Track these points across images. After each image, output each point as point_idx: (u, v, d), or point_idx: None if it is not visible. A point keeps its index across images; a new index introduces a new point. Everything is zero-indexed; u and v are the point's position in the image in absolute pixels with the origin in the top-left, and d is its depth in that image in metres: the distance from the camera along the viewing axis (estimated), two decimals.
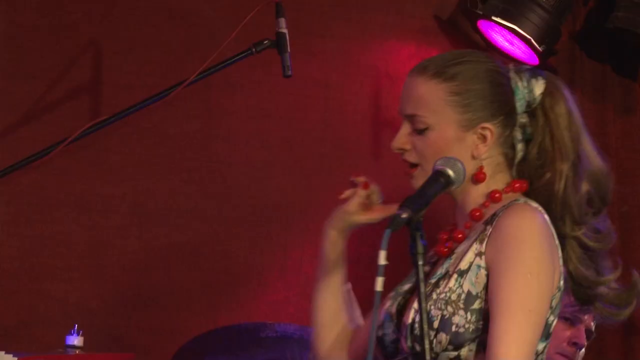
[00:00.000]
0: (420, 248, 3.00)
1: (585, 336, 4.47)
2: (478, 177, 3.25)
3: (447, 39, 5.36)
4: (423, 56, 4.68)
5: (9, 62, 5.02)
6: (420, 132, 3.23)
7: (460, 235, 3.29)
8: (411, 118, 3.24)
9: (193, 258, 5.13)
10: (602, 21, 5.39)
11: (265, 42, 4.32)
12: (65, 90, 5.00)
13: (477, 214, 3.27)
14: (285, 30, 4.35)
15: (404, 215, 2.97)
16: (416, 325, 3.17)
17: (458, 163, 3.14)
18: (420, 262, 2.99)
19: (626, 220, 5.46)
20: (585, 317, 4.48)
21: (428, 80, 3.26)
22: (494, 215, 3.26)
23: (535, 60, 5.25)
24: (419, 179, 3.20)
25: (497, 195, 3.26)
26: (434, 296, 3.21)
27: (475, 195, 3.30)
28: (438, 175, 3.10)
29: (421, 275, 3.00)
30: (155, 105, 4.50)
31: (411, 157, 3.26)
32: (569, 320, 4.43)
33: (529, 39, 5.18)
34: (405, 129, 3.26)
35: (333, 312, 3.49)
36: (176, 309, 4.99)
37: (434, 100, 3.26)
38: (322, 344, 3.48)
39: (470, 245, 3.20)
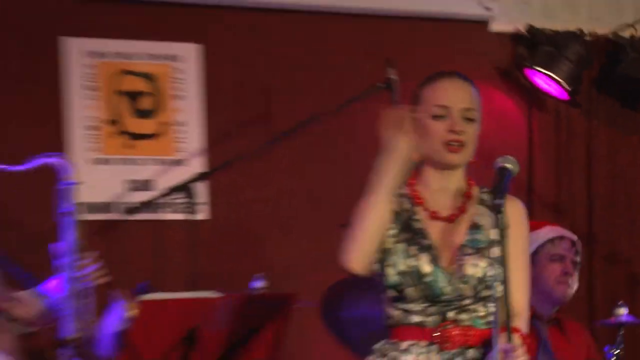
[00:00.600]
0: (503, 225, 3.24)
1: (572, 267, 4.71)
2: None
3: (505, 83, 5.79)
4: (490, 95, 5.49)
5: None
6: (469, 121, 3.46)
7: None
8: (466, 111, 3.46)
9: None
10: (612, 70, 5.89)
11: (381, 84, 4.84)
12: (252, 119, 5.37)
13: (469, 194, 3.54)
14: (394, 76, 4.82)
15: (500, 201, 3.23)
16: (487, 278, 3.41)
17: (513, 158, 3.40)
18: (504, 238, 3.24)
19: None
20: (569, 255, 4.72)
21: (473, 88, 3.53)
22: (483, 200, 3.54)
23: (565, 97, 5.75)
24: (465, 156, 3.47)
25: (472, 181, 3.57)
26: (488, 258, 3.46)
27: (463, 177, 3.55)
28: (505, 171, 3.34)
29: (505, 247, 3.22)
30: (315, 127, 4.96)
31: (464, 138, 3.46)
32: (557, 258, 4.68)
33: (561, 82, 5.66)
34: (460, 117, 3.46)
35: (381, 224, 3.47)
36: None
37: (477, 104, 3.52)
38: (360, 250, 3.44)
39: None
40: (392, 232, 3.48)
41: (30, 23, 5.05)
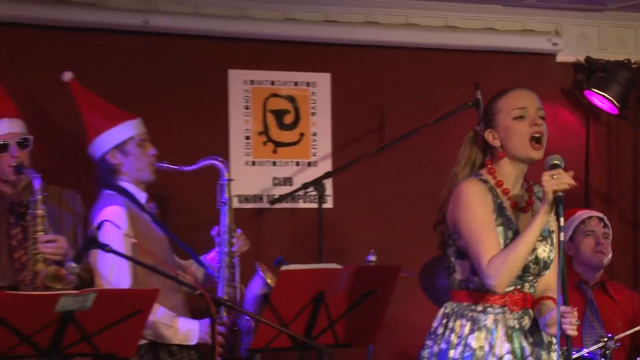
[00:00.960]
0: (561, 214, 3.12)
1: (603, 238, 4.64)
2: None
3: (568, 101, 5.65)
4: (556, 112, 5.45)
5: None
6: (542, 119, 3.30)
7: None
8: (539, 109, 3.29)
9: None
10: None
11: (470, 103, 4.88)
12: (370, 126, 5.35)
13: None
14: (480, 97, 4.84)
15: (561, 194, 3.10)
16: (549, 260, 3.31)
17: (559, 156, 3.23)
18: (562, 224, 3.11)
19: None
20: (599, 229, 4.66)
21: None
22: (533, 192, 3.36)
23: (615, 111, 5.58)
24: (542, 152, 3.30)
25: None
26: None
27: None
28: (557, 167, 3.19)
29: (562, 234, 3.11)
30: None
31: (543, 130, 3.30)
32: (590, 233, 4.64)
33: (612, 100, 5.54)
34: (536, 115, 3.28)
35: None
36: None
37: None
38: (510, 279, 3.26)
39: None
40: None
41: (206, 59, 5.06)
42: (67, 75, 4.19)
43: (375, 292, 3.85)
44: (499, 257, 3.17)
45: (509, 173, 3.30)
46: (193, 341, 3.99)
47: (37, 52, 4.75)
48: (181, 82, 4.98)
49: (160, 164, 4.17)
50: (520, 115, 3.26)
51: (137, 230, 3.98)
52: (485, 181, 3.31)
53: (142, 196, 4.14)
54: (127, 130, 4.14)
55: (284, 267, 3.69)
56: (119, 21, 4.79)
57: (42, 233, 3.88)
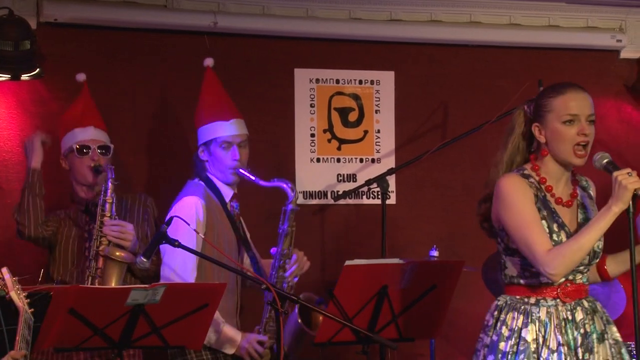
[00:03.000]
0: (632, 210, 3.08)
1: None
2: None
3: (632, 96, 5.54)
4: (620, 107, 5.37)
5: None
6: (591, 123, 3.26)
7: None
8: (590, 116, 3.24)
9: None
10: None
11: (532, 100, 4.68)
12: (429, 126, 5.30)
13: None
14: None
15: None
16: (598, 249, 3.27)
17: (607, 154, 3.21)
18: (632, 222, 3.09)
19: None
20: None
21: (589, 95, 3.31)
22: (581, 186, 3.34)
23: None
24: (586, 158, 3.25)
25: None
26: None
27: None
28: (612, 165, 3.17)
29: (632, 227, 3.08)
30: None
31: (590, 139, 3.27)
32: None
33: None
34: (586, 122, 3.23)
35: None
36: None
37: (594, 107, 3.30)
38: (569, 270, 3.22)
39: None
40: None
41: (273, 59, 5.07)
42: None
43: (438, 287, 3.81)
44: (560, 248, 3.13)
45: (554, 171, 3.27)
46: (230, 352, 3.99)
47: (108, 53, 4.81)
48: (249, 81, 4.99)
49: (241, 172, 4.14)
50: (570, 120, 3.22)
51: (210, 224, 3.98)
52: (527, 176, 3.27)
53: (228, 193, 4.14)
54: (215, 130, 4.14)
55: (348, 262, 3.64)
56: (189, 22, 4.82)
57: (109, 218, 3.98)
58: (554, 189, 3.28)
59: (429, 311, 3.86)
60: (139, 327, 3.48)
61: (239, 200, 4.19)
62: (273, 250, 4.09)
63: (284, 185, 4.13)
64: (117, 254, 3.89)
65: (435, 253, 4.55)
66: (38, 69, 4.48)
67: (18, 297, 2.97)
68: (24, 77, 4.47)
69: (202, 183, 4.10)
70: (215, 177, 4.13)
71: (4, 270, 3.03)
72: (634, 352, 3.65)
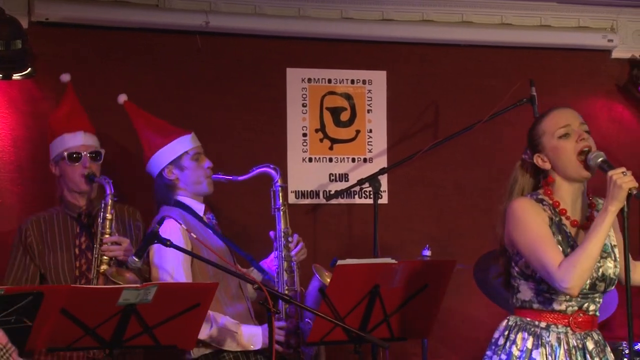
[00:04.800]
0: (627, 209, 3.03)
1: None
2: None
3: (623, 96, 5.50)
4: (611, 106, 5.37)
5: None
6: (587, 133, 3.24)
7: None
8: (582, 124, 3.23)
9: None
10: None
11: (524, 99, 4.76)
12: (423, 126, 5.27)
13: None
14: (534, 93, 4.73)
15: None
16: (614, 276, 3.20)
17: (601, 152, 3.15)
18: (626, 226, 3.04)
19: None
20: None
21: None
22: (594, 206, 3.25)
23: None
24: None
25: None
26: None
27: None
28: (606, 164, 3.13)
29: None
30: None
31: (591, 144, 3.20)
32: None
33: None
34: (581, 130, 3.21)
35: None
36: None
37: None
38: (583, 281, 3.13)
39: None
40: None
41: (265, 59, 5.01)
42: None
43: (430, 286, 3.78)
44: (570, 259, 3.04)
45: (566, 193, 3.19)
46: (257, 346, 3.95)
47: (100, 52, 4.78)
48: (240, 81, 4.95)
49: (216, 176, 4.15)
50: (565, 133, 3.16)
51: (195, 241, 3.93)
52: (540, 200, 3.21)
53: (200, 208, 4.11)
54: (182, 145, 4.11)
55: (340, 262, 3.63)
56: (181, 22, 4.78)
57: (109, 235, 3.93)
58: (568, 212, 3.21)
59: (421, 310, 3.83)
60: (130, 326, 3.45)
61: (212, 211, 4.19)
62: (272, 233, 4.07)
63: (266, 169, 4.13)
64: (123, 276, 3.83)
65: (428, 253, 4.52)
66: (30, 69, 4.45)
67: None
68: (16, 76, 4.44)
69: (174, 207, 4.06)
70: (184, 195, 4.09)
71: None
72: (625, 351, 3.76)
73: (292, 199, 4.92)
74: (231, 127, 4.91)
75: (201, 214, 4.09)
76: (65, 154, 4.05)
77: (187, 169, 4.09)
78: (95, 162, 4.08)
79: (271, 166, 4.13)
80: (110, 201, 3.93)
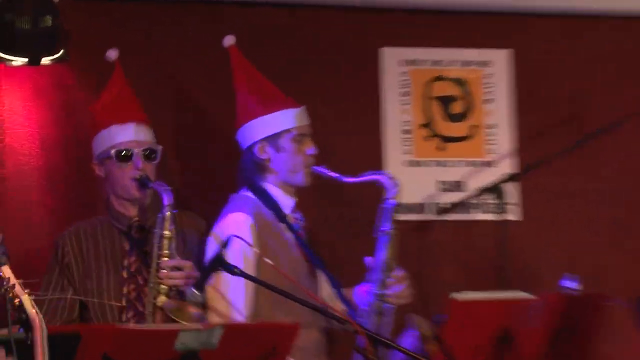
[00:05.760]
0: None
1: None
2: None
3: None
4: None
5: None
6: None
7: None
8: None
9: None
10: None
11: None
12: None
13: None
14: None
15: None
16: None
17: None
18: None
19: None
20: None
21: None
22: None
23: None
24: None
25: None
26: None
27: None
28: None
29: None
30: None
31: None
32: None
33: None
34: None
35: None
36: None
37: None
38: None
39: None
40: None
41: (353, 36, 4.99)
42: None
43: (578, 328, 3.73)
44: None
45: None
46: None
47: (150, 31, 4.80)
48: (322, 65, 4.95)
49: (318, 168, 4.09)
50: None
51: (265, 246, 3.91)
52: None
53: (288, 203, 4.08)
54: (285, 120, 4.08)
55: (456, 296, 3.54)
56: None
57: (168, 258, 3.85)
58: None
59: (571, 356, 3.78)
60: None
61: (301, 209, 4.14)
62: (368, 260, 4.00)
63: (381, 177, 4.06)
64: (187, 313, 3.71)
65: (572, 284, 4.20)
66: (62, 51, 4.43)
67: (31, 304, 2.86)
68: (45, 60, 4.41)
69: (250, 195, 4.03)
70: (273, 183, 4.06)
71: (5, 268, 2.91)
72: None
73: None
74: (315, 122, 4.60)
75: (288, 211, 4.05)
76: (113, 151, 4.02)
77: (284, 150, 4.07)
78: (149, 162, 4.04)
79: (388, 175, 4.07)
80: (168, 214, 3.84)
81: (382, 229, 4.01)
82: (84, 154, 4.23)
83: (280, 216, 4.02)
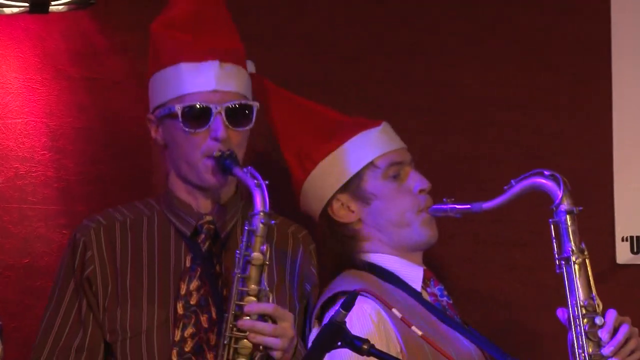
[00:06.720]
0: None
1: None
2: None
3: None
4: None
5: None
6: None
7: None
8: None
9: None
10: None
11: None
12: None
13: None
14: None
15: None
16: None
17: None
18: None
19: None
20: None
21: None
22: None
23: None
24: None
25: None
26: None
27: None
28: None
29: None
30: None
31: None
32: None
33: None
34: None
35: None
36: None
37: None
38: None
39: None
40: None
41: None
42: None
43: None
44: None
45: None
46: None
47: None
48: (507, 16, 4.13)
49: (438, 206, 3.48)
50: None
51: (412, 343, 3.25)
52: None
53: (415, 276, 3.45)
54: (362, 150, 3.49)
55: None
56: None
57: (255, 298, 3.03)
58: None
59: None
60: None
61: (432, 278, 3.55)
62: (561, 313, 3.37)
63: (537, 181, 3.37)
64: None
65: None
66: None
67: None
68: (55, 5, 3.73)
69: (361, 277, 3.42)
70: (378, 251, 3.45)
71: None
72: None
73: (624, 255, 4.13)
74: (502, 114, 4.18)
75: (418, 287, 3.43)
76: (178, 107, 3.12)
77: (378, 197, 3.45)
78: (238, 128, 3.16)
79: (547, 173, 3.43)
80: (261, 226, 3.00)
81: (564, 254, 3.33)
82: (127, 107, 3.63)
83: (414, 294, 3.41)
